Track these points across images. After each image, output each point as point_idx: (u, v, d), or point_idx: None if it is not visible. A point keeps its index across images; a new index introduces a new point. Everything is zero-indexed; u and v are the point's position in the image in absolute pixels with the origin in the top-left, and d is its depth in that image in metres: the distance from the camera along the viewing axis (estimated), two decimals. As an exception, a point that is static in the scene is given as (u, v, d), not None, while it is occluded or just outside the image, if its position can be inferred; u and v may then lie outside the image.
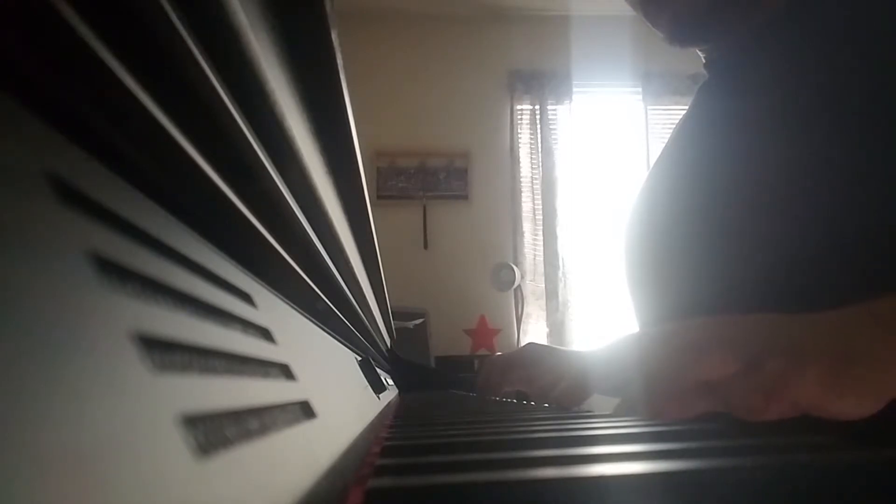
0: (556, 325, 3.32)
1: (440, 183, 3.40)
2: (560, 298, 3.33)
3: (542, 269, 3.36)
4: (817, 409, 0.33)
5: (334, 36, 0.30)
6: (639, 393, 0.40)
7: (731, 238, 0.53)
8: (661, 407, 0.38)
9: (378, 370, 0.75)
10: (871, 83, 0.48)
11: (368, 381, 0.61)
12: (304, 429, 0.22)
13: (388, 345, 1.24)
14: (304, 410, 0.24)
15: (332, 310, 0.50)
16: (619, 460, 0.20)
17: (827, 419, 0.34)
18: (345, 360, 0.54)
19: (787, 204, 0.50)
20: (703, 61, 0.67)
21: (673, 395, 0.38)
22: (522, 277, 3.31)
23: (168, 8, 0.15)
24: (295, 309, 0.38)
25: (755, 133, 0.55)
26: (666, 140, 0.70)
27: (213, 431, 0.14)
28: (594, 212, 3.37)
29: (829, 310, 0.37)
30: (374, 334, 0.87)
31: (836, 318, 0.36)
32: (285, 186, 0.27)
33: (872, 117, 0.47)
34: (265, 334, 0.24)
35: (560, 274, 3.35)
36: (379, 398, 0.63)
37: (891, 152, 0.45)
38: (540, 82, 3.43)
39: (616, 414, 0.49)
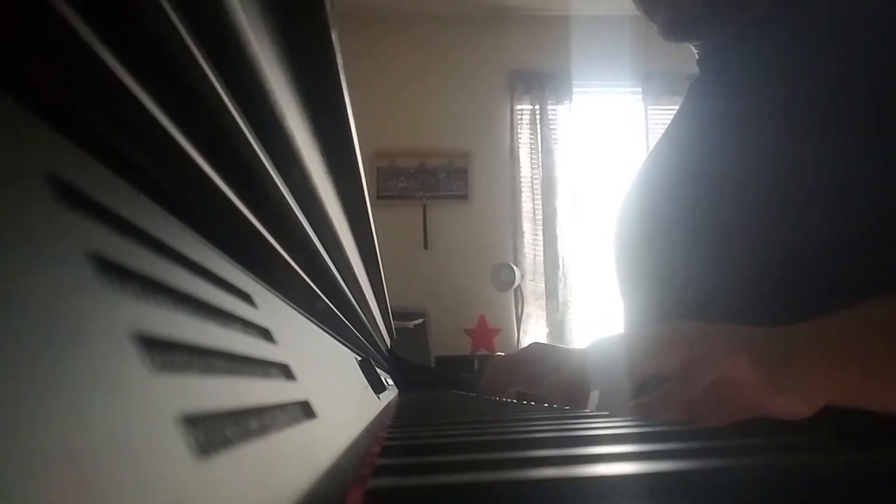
0: (556, 325, 3.32)
1: (440, 183, 3.40)
2: (560, 298, 3.33)
3: (542, 269, 3.36)
4: (757, 407, 0.36)
5: (334, 36, 0.30)
6: (612, 389, 0.45)
7: (722, 236, 0.53)
8: (623, 404, 0.43)
9: (378, 370, 0.75)
10: (865, 78, 0.48)
11: (368, 381, 0.61)
12: (304, 429, 0.22)
13: (388, 345, 1.24)
14: (304, 410, 0.24)
15: (332, 310, 0.50)
16: (618, 460, 0.20)
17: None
18: (345, 360, 0.54)
19: (779, 201, 0.50)
20: (696, 57, 0.67)
21: (630, 391, 0.42)
22: (522, 277, 3.31)
23: (168, 8, 0.15)
24: (295, 309, 0.38)
25: (747, 130, 0.54)
26: (663, 139, 0.70)
27: (214, 431, 0.14)
28: (594, 212, 3.37)
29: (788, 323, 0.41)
30: (374, 334, 0.87)
31: (785, 333, 0.40)
32: (285, 186, 0.27)
33: (865, 112, 0.47)
34: (265, 334, 0.24)
35: (560, 274, 3.35)
36: (379, 398, 0.63)
37: (884, 147, 0.45)
38: (540, 82, 3.43)
39: (595, 409, 0.51)
